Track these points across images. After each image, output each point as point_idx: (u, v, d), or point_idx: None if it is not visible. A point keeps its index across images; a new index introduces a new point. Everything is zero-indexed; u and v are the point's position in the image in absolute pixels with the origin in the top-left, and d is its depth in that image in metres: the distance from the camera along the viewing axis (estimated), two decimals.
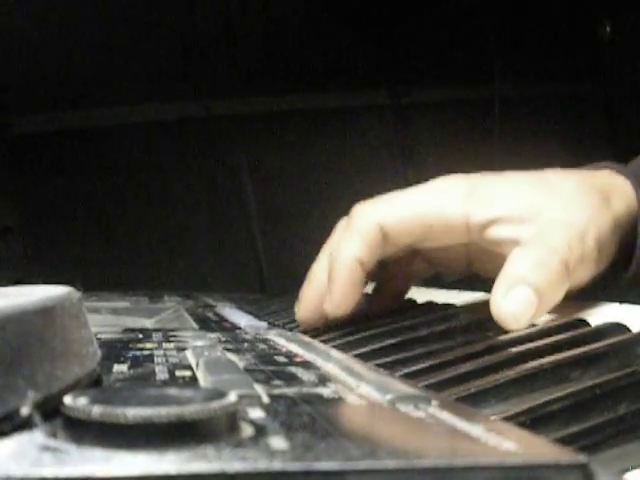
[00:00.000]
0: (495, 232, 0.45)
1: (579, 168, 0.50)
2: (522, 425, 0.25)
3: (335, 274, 0.47)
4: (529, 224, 0.44)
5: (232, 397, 0.19)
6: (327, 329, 0.50)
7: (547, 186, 0.46)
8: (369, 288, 0.53)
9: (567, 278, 0.42)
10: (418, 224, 0.47)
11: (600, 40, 1.16)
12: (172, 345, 0.37)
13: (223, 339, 0.40)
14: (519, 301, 0.41)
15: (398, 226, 0.47)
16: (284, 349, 0.37)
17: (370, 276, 0.49)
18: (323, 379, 0.28)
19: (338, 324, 0.50)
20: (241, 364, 0.31)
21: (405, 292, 0.55)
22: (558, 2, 1.17)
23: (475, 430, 0.20)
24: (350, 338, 0.46)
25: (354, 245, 0.47)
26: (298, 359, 0.33)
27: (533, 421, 0.26)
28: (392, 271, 0.53)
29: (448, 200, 0.46)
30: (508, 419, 0.26)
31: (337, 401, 0.24)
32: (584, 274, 0.44)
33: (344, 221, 0.50)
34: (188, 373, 0.29)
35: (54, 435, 0.18)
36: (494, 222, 0.45)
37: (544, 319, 0.43)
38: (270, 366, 0.31)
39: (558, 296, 0.42)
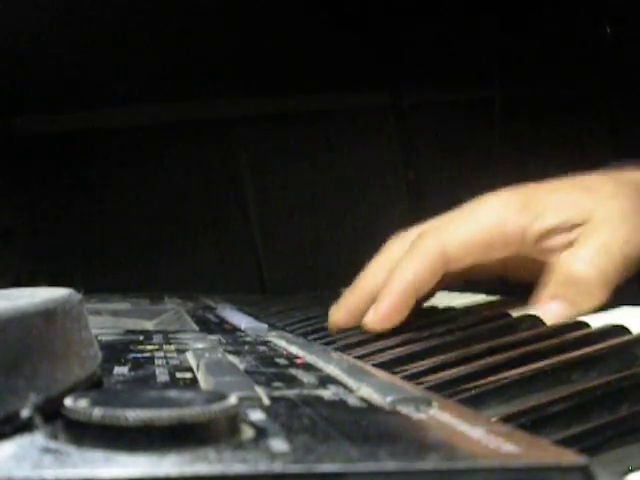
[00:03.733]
0: (549, 242, 0.47)
1: (603, 168, 0.51)
2: (523, 427, 0.25)
3: (389, 293, 0.48)
4: (579, 228, 0.46)
5: (233, 399, 0.19)
6: (327, 330, 0.50)
7: (590, 190, 0.48)
8: None
9: (623, 266, 0.45)
10: (478, 246, 0.48)
11: (601, 41, 1.16)
12: (173, 347, 0.37)
13: (224, 341, 0.40)
14: (553, 316, 0.43)
15: (460, 250, 0.48)
16: (285, 351, 0.37)
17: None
18: (324, 381, 0.28)
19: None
20: (242, 366, 0.31)
21: (429, 298, 0.56)
22: (558, 3, 1.16)
23: (476, 432, 0.20)
24: (351, 340, 0.46)
25: (416, 270, 0.48)
26: (299, 361, 0.33)
27: (534, 423, 0.26)
28: None
29: (504, 217, 0.48)
30: (509, 421, 0.26)
31: (338, 403, 0.24)
32: (631, 270, 0.46)
33: (399, 239, 0.51)
34: (189, 375, 0.29)
35: (55, 437, 0.18)
36: (549, 232, 0.47)
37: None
38: (271, 368, 0.31)
39: (601, 296, 0.44)
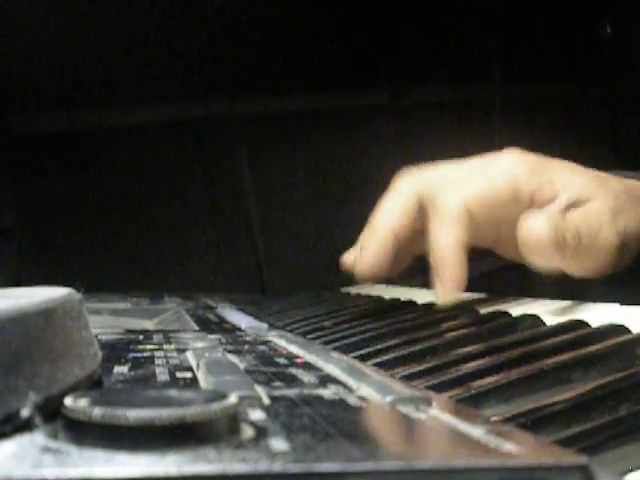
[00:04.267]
0: (551, 207, 0.48)
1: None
2: (523, 426, 0.25)
3: (445, 262, 0.49)
4: (576, 207, 0.48)
5: (233, 399, 0.19)
6: (326, 329, 0.50)
7: (598, 179, 0.50)
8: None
9: (565, 247, 0.45)
10: (498, 204, 0.49)
11: (601, 41, 1.16)
12: (173, 346, 0.37)
13: (224, 340, 0.40)
14: (541, 222, 0.44)
15: (482, 208, 0.49)
16: (285, 350, 0.37)
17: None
18: (324, 380, 0.28)
19: (338, 325, 0.50)
20: (242, 365, 0.31)
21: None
22: (559, 3, 1.16)
23: (476, 432, 0.20)
24: (351, 339, 0.46)
25: (456, 232, 0.49)
26: (299, 360, 0.33)
27: (534, 422, 0.26)
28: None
29: (518, 178, 0.49)
30: (509, 420, 0.26)
31: (338, 402, 0.24)
32: (606, 257, 0.47)
33: (407, 175, 0.54)
34: (189, 374, 0.29)
35: (55, 436, 0.18)
36: (554, 199, 0.49)
37: (548, 321, 0.43)
38: (271, 367, 0.31)
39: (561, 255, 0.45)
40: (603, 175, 0.51)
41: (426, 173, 0.53)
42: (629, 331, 0.37)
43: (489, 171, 0.51)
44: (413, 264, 0.57)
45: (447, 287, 0.49)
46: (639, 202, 0.50)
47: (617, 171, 0.53)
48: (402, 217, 0.52)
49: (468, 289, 0.58)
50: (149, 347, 0.36)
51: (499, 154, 0.51)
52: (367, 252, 0.53)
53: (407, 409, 0.23)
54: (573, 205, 0.48)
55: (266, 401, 0.23)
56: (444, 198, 0.50)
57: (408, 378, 0.33)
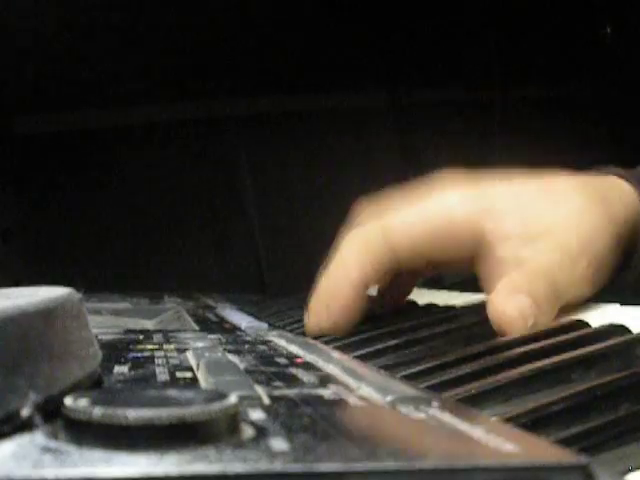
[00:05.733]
0: (502, 251, 0.45)
1: (585, 171, 0.50)
2: (523, 426, 0.25)
3: (338, 296, 0.47)
4: (532, 244, 0.44)
5: (233, 398, 0.19)
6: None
7: (555, 201, 0.46)
8: (373, 290, 0.53)
9: (556, 298, 0.43)
10: (429, 242, 0.47)
11: (601, 41, 1.16)
12: (173, 346, 0.37)
13: (224, 340, 0.40)
14: (521, 306, 0.41)
15: (409, 247, 0.47)
16: (285, 350, 0.37)
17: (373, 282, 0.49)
18: (324, 380, 0.28)
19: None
20: (242, 365, 0.31)
21: (409, 292, 0.55)
22: (559, 3, 1.16)
23: (476, 431, 0.20)
24: (351, 339, 0.46)
25: (362, 268, 0.47)
26: (299, 360, 0.33)
27: (534, 422, 0.26)
28: (397, 275, 0.52)
29: (459, 214, 0.46)
30: (509, 420, 0.26)
31: (338, 402, 0.24)
32: (579, 293, 0.44)
33: (350, 232, 0.49)
34: (189, 374, 0.29)
35: (55, 436, 0.18)
36: (503, 240, 0.45)
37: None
38: (271, 367, 0.31)
39: (549, 313, 0.42)
40: (551, 184, 0.47)
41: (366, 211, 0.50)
42: (629, 331, 0.37)
43: (426, 205, 0.47)
44: None
45: (332, 321, 0.47)
46: (604, 202, 0.46)
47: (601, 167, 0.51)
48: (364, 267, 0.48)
49: (468, 289, 0.58)
50: (149, 347, 0.36)
51: (438, 180, 0.48)
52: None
53: (407, 409, 0.23)
54: (524, 242, 0.44)
55: (266, 401, 0.23)
56: (369, 233, 0.48)
57: (408, 378, 0.33)
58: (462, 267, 0.51)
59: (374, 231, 0.48)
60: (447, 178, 0.48)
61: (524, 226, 0.45)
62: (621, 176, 0.49)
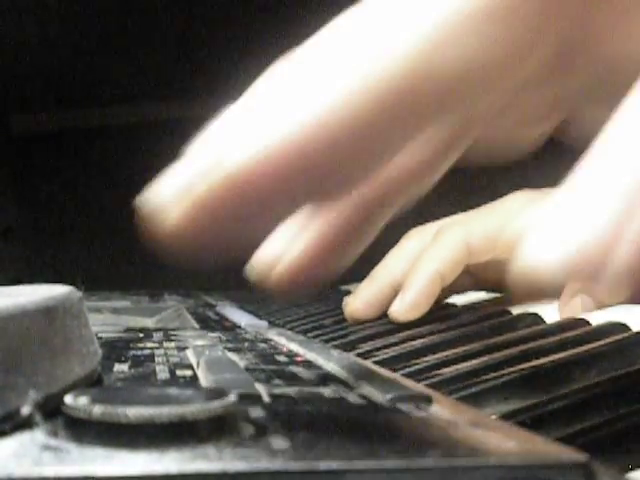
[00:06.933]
0: None
1: None
2: (523, 424, 0.25)
3: (415, 283, 0.49)
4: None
5: (233, 396, 0.19)
6: (327, 327, 0.50)
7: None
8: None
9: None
10: (499, 239, 0.49)
11: None
12: (173, 344, 0.37)
13: (224, 338, 0.40)
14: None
15: (483, 243, 0.49)
16: (285, 348, 0.37)
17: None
18: (324, 378, 0.28)
19: (339, 323, 0.50)
20: (242, 363, 0.31)
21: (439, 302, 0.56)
22: None
23: (476, 430, 0.20)
24: (351, 337, 0.46)
25: (441, 259, 0.49)
26: (299, 358, 0.33)
27: (534, 420, 0.26)
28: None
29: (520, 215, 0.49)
30: (509, 418, 0.26)
31: (338, 400, 0.24)
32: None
33: (417, 233, 0.53)
34: (189, 372, 0.29)
35: (55, 434, 0.18)
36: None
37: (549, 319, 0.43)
38: (271, 365, 0.31)
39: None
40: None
41: (434, 225, 0.53)
42: (629, 329, 0.37)
43: (496, 211, 0.51)
44: None
45: (405, 305, 0.48)
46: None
47: None
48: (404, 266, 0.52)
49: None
50: (149, 345, 0.36)
51: (512, 195, 0.51)
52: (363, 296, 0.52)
53: (407, 407, 0.23)
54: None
55: (266, 399, 0.23)
56: (447, 231, 0.50)
57: (408, 376, 0.33)
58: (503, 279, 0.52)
59: (452, 231, 0.50)
60: (523, 197, 0.51)
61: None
62: None
